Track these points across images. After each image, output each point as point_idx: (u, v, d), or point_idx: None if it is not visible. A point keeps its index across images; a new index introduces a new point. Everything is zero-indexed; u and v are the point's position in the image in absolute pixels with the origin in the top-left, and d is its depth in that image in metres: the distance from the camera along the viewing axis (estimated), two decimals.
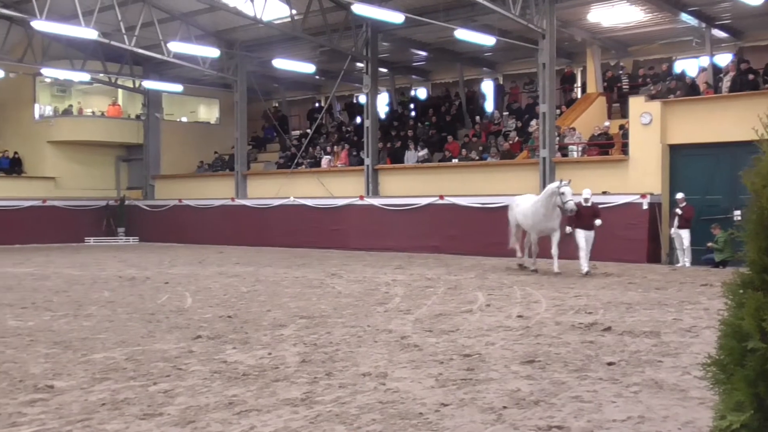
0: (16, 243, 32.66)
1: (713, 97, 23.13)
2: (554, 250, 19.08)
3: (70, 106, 36.96)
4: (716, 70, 26.51)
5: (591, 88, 29.90)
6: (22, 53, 31.39)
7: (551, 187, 19.05)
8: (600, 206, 19.86)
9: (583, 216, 18.64)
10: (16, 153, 36.11)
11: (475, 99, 34.70)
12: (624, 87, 28.67)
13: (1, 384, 7.76)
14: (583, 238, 18.64)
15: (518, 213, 19.93)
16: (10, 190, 34.22)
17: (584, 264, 18.63)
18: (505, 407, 6.77)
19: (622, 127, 25.34)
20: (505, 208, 24.65)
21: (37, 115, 36.91)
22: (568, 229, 18.85)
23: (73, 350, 9.53)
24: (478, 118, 31.91)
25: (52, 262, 24.09)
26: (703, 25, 26.62)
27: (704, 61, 27.76)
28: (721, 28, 27.18)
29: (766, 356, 1.99)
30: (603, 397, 7.13)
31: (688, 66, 29.23)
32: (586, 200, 18.94)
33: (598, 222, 18.69)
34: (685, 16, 25.95)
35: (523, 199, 20.26)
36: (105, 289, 16.51)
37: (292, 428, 6.17)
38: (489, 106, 34.36)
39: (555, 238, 19.09)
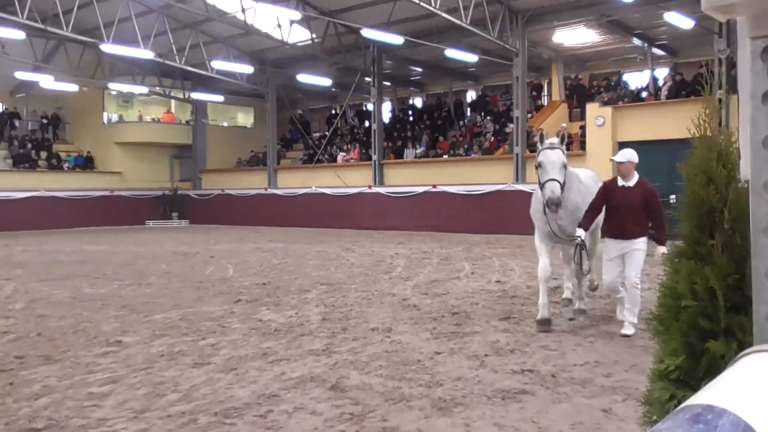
0: (90, 226, 32.66)
1: (654, 104, 23.01)
2: (585, 266, 8.13)
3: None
4: (656, 81, 26.47)
5: (555, 97, 29.79)
6: (93, 71, 31.34)
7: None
8: None
9: (615, 208, 7.61)
10: (88, 152, 36.00)
11: (461, 107, 34.58)
12: (589, 95, 28.42)
13: (80, 340, 7.83)
14: (614, 257, 7.66)
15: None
16: (85, 183, 34.18)
17: (621, 314, 7.95)
18: (486, 355, 6.81)
19: (582, 128, 25.19)
20: (486, 196, 24.76)
21: (105, 121, 36.86)
22: (581, 233, 7.61)
23: (137, 312, 9.58)
24: (461, 122, 31.84)
25: (119, 241, 24.13)
26: (646, 44, 26.57)
27: (646, 74, 27.68)
28: (660, 47, 27.09)
29: (696, 312, 2.02)
30: (566, 346, 7.16)
31: (633, 78, 29.09)
32: (623, 175, 7.53)
33: (659, 250, 7.44)
34: (632, 38, 25.89)
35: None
36: (162, 262, 16.56)
37: (315, 374, 6.21)
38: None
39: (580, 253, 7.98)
